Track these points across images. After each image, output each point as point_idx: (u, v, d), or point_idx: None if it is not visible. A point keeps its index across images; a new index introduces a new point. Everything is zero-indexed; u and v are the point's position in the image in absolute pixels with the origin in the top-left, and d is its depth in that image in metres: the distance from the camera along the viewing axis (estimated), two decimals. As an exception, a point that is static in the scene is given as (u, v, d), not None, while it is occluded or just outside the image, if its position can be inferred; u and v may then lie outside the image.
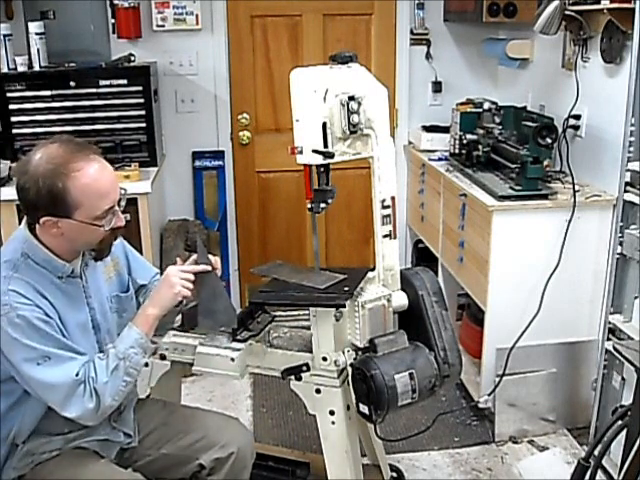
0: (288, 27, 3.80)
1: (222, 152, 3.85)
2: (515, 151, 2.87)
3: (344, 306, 1.92)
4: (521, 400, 2.89)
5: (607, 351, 2.66)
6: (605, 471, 2.52)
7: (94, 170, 1.63)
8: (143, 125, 3.34)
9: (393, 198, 2.01)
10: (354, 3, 3.81)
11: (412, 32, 3.84)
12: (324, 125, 1.88)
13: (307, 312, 2.00)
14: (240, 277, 4.04)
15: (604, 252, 2.77)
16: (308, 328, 2.04)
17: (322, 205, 1.99)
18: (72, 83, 3.22)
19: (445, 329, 2.01)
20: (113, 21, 3.53)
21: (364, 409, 1.91)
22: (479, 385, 2.98)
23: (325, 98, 1.87)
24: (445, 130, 3.61)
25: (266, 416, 3.14)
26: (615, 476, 2.43)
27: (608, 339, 2.65)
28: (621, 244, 2.58)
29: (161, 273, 2.18)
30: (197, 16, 3.62)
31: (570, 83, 2.98)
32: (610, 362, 2.68)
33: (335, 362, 1.96)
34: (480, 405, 2.96)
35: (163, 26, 3.61)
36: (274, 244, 4.06)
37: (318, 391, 2.02)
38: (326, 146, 1.89)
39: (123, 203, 1.74)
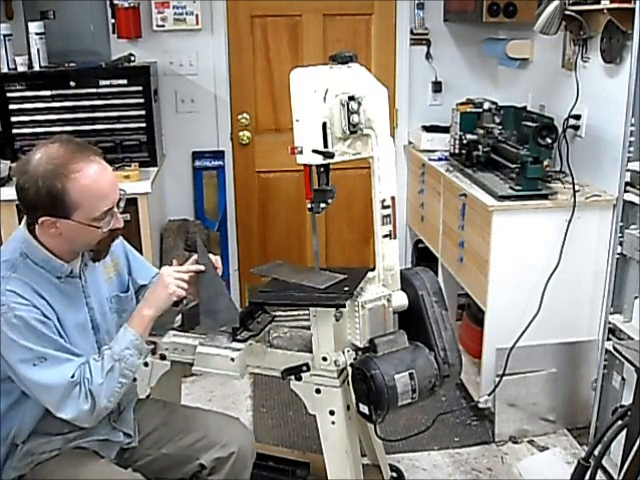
0: (288, 27, 3.80)
1: (222, 152, 3.85)
2: (515, 151, 2.87)
3: (344, 306, 1.92)
4: (521, 400, 2.89)
5: (607, 351, 2.66)
6: (605, 471, 2.52)
7: (94, 171, 1.63)
8: (143, 125, 3.34)
9: (393, 198, 2.01)
10: (354, 3, 3.81)
11: (412, 32, 3.84)
12: (324, 125, 1.88)
13: (307, 312, 2.00)
14: (240, 277, 4.04)
15: (604, 252, 2.77)
16: (308, 328, 2.04)
17: (322, 205, 1.99)
18: (72, 83, 3.22)
19: (445, 329, 2.01)
20: (113, 21, 3.53)
21: (364, 409, 1.91)
22: (479, 385, 2.98)
23: (325, 98, 1.87)
24: (445, 130, 3.61)
25: (266, 416, 3.14)
26: (615, 476, 2.43)
27: (608, 339, 2.65)
28: (621, 244, 2.58)
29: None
30: (197, 16, 3.62)
31: (570, 83, 2.98)
32: (610, 362, 2.68)
33: (335, 362, 1.96)
34: (480, 405, 2.96)
35: (163, 26, 3.61)
36: (274, 244, 4.06)
37: (318, 391, 2.02)
38: (326, 146, 1.89)
39: (122, 204, 1.74)
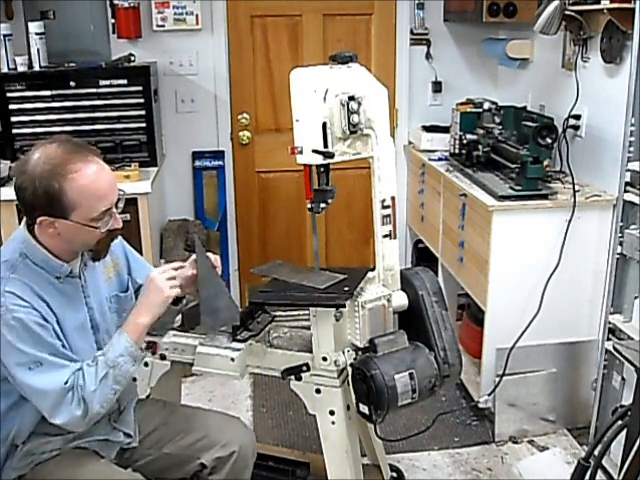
0: (288, 27, 3.80)
1: (222, 152, 3.85)
2: (515, 151, 2.87)
3: (344, 306, 1.92)
4: (521, 400, 2.89)
5: (607, 351, 2.66)
6: (605, 471, 2.52)
7: (92, 172, 1.63)
8: (143, 125, 3.34)
9: (393, 198, 2.01)
10: (354, 3, 3.81)
11: (412, 32, 3.84)
12: (324, 125, 1.88)
13: (307, 312, 2.00)
14: (240, 277, 4.04)
15: (604, 252, 2.77)
16: (308, 328, 2.04)
17: (322, 205, 1.99)
18: (72, 83, 3.22)
19: (445, 329, 2.01)
20: (113, 21, 3.53)
21: (364, 409, 1.91)
22: (479, 385, 2.98)
23: (325, 98, 1.87)
24: (445, 130, 3.61)
25: (266, 416, 3.14)
26: (615, 476, 2.43)
27: (608, 339, 2.65)
28: (621, 244, 2.58)
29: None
30: (197, 16, 3.62)
31: (570, 83, 2.98)
32: (610, 362, 2.68)
33: (335, 362, 1.97)
34: (480, 405, 2.96)
35: (163, 26, 3.61)
36: (274, 244, 4.06)
37: (318, 391, 2.02)
38: (326, 146, 1.89)
39: (121, 205, 1.74)
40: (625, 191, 2.54)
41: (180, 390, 2.43)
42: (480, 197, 2.84)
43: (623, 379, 2.62)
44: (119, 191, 1.72)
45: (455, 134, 3.35)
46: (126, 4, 3.45)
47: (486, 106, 3.28)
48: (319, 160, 1.91)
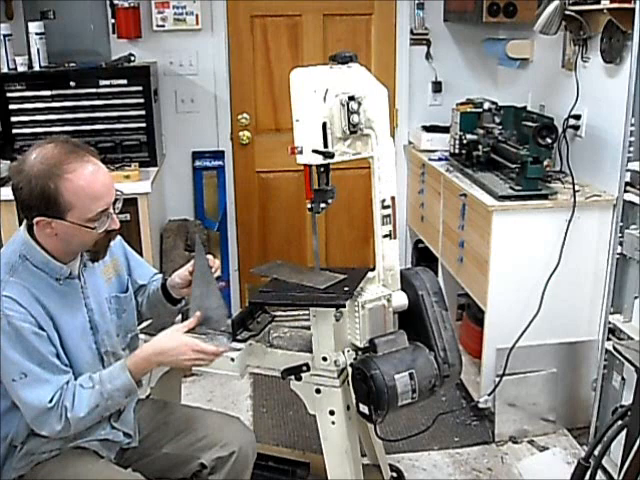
0: (288, 27, 3.80)
1: (222, 152, 3.85)
2: (515, 151, 2.87)
3: (344, 306, 1.92)
4: (521, 400, 2.89)
5: (607, 351, 2.65)
6: (605, 471, 2.52)
7: (88, 172, 1.62)
8: (143, 125, 3.34)
9: (393, 198, 2.01)
10: (354, 3, 3.81)
11: (412, 32, 3.84)
12: (324, 125, 1.88)
13: (307, 312, 2.00)
14: (240, 277, 4.04)
15: (604, 252, 2.77)
16: (308, 328, 2.04)
17: (322, 205, 1.99)
18: (72, 83, 3.22)
19: (445, 329, 2.01)
20: (113, 21, 3.53)
21: (364, 409, 1.91)
22: (479, 385, 2.98)
23: (325, 98, 1.87)
24: (445, 130, 3.61)
25: (266, 416, 3.14)
26: (615, 476, 2.43)
27: (608, 339, 2.65)
28: (621, 244, 2.58)
29: (161, 271, 2.17)
30: (197, 16, 3.62)
31: (570, 83, 2.98)
32: (610, 362, 2.68)
33: (335, 362, 1.97)
34: (480, 405, 2.96)
35: (163, 26, 3.61)
36: (274, 244, 4.06)
37: (318, 391, 2.02)
38: (326, 146, 1.89)
39: (119, 205, 1.73)
40: (625, 191, 2.53)
41: (180, 390, 2.43)
42: (480, 197, 2.84)
43: (623, 379, 2.62)
44: (117, 192, 1.72)
45: (455, 134, 3.35)
46: (126, 4, 3.45)
47: (486, 106, 3.28)
48: (319, 160, 1.91)
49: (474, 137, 3.23)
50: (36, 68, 3.25)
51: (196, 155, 3.83)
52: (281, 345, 2.09)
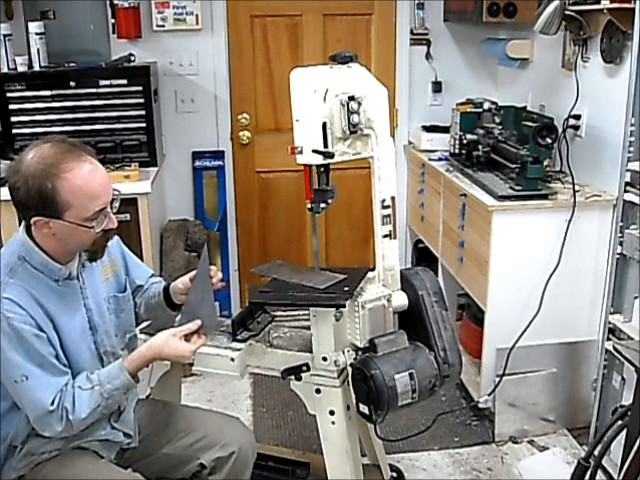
0: (288, 27, 3.80)
1: (222, 152, 3.85)
2: (515, 151, 2.87)
3: (344, 306, 1.92)
4: (521, 400, 2.89)
5: (607, 351, 2.65)
6: (605, 471, 2.52)
7: (85, 171, 1.62)
8: (143, 125, 3.34)
9: (393, 198, 2.01)
10: (354, 3, 3.81)
11: (412, 32, 3.84)
12: (324, 125, 1.88)
13: (307, 312, 2.00)
14: (240, 277, 4.04)
15: (604, 252, 2.78)
16: (308, 328, 2.04)
17: (322, 205, 1.99)
18: (72, 83, 3.22)
19: (445, 329, 2.01)
20: (113, 21, 3.53)
21: (364, 409, 1.91)
22: (479, 385, 2.98)
23: (325, 98, 1.87)
24: (445, 130, 3.61)
25: (266, 416, 3.14)
26: (615, 476, 2.43)
27: (608, 339, 2.65)
28: (621, 244, 2.58)
29: (161, 274, 2.18)
30: (197, 16, 3.62)
31: (570, 83, 2.98)
32: (610, 362, 2.68)
33: (335, 362, 1.96)
34: (480, 405, 2.96)
35: (163, 26, 3.61)
36: (274, 244, 4.06)
37: (318, 391, 2.02)
38: (326, 146, 1.89)
39: (117, 204, 1.72)
40: (625, 191, 2.53)
41: (180, 390, 2.43)
42: (480, 197, 2.84)
43: (623, 379, 2.62)
44: (114, 191, 1.71)
45: (455, 134, 3.35)
46: (126, 4, 3.45)
47: (486, 106, 3.28)
48: (319, 160, 1.90)
49: (474, 137, 3.23)
50: (36, 68, 3.25)
51: (196, 155, 3.83)
52: (281, 345, 2.09)
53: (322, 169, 1.96)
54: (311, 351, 2.01)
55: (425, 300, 2.02)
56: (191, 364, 2.06)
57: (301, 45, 3.82)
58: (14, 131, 3.23)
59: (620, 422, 1.88)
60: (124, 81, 3.27)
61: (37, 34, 3.22)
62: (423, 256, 3.84)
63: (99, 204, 1.65)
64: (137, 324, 2.12)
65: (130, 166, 3.19)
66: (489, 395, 2.89)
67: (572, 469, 1.99)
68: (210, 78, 3.75)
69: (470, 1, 3.44)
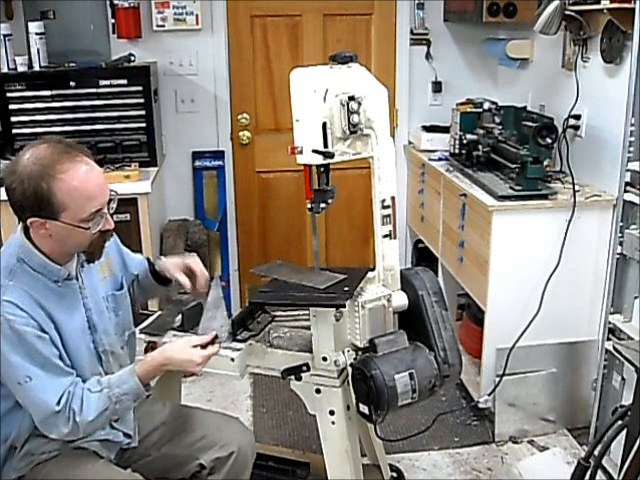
0: (288, 27, 3.80)
1: (222, 152, 3.85)
2: (515, 151, 2.87)
3: (344, 306, 1.92)
4: (521, 400, 2.89)
5: (607, 351, 2.65)
6: (605, 471, 2.52)
7: (81, 172, 1.61)
8: (143, 125, 3.34)
9: (393, 198, 2.01)
10: (354, 3, 3.81)
11: (412, 32, 3.84)
12: (324, 125, 1.88)
13: (307, 312, 2.00)
14: (240, 277, 4.04)
15: (604, 252, 2.77)
16: (308, 328, 2.04)
17: (322, 205, 1.99)
18: (72, 83, 3.23)
19: (445, 329, 2.01)
20: (113, 21, 3.53)
21: (364, 409, 1.91)
22: (479, 385, 2.98)
23: (325, 98, 1.87)
24: (445, 130, 3.61)
25: (266, 416, 3.14)
26: (615, 476, 2.43)
27: (608, 339, 2.65)
28: (621, 244, 2.58)
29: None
30: (197, 16, 3.62)
31: (570, 83, 2.98)
32: (610, 362, 2.68)
33: (335, 362, 1.97)
34: (480, 405, 2.96)
35: (163, 26, 3.61)
36: (274, 244, 4.06)
37: (318, 391, 2.02)
38: (326, 146, 1.89)
39: (114, 205, 1.72)
40: (625, 191, 2.53)
41: (180, 390, 2.43)
42: (480, 197, 2.84)
43: (623, 379, 2.62)
44: (111, 192, 1.70)
45: (455, 134, 3.35)
46: (126, 4, 3.45)
47: (486, 106, 3.28)
48: (319, 160, 1.90)
49: (474, 137, 3.23)
50: (36, 68, 3.25)
51: (196, 155, 3.83)
52: (281, 345, 2.09)
53: (322, 169, 1.96)
54: (311, 351, 2.01)
55: (425, 300, 2.02)
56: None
57: (301, 45, 3.82)
58: (14, 131, 3.23)
59: (620, 422, 1.88)
60: (124, 81, 3.27)
61: (37, 34, 3.22)
62: (423, 256, 3.84)
63: (95, 205, 1.64)
64: (139, 323, 2.13)
65: (130, 166, 3.19)
66: (489, 395, 2.89)
67: (572, 469, 1.99)
68: (210, 78, 3.75)
69: (470, 1, 3.44)
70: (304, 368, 2.01)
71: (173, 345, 1.83)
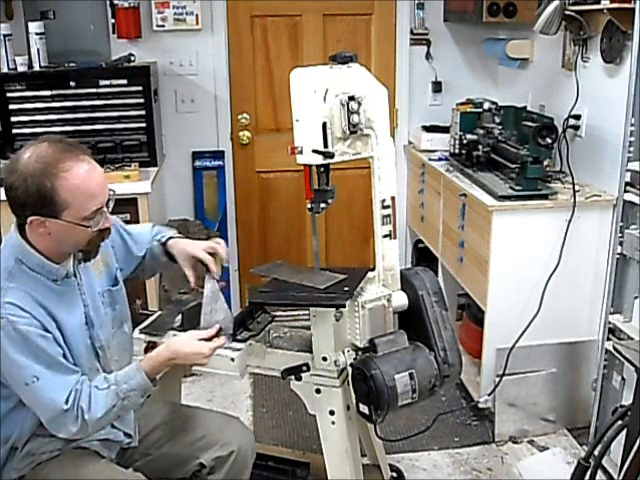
0: (288, 27, 3.80)
1: (222, 152, 3.85)
2: (515, 151, 2.87)
3: (344, 306, 1.92)
4: (521, 400, 2.89)
5: (607, 351, 2.65)
6: (605, 471, 2.52)
7: (83, 171, 1.62)
8: (143, 125, 3.34)
9: (393, 198, 2.01)
10: (354, 3, 3.81)
11: (412, 32, 3.84)
12: (324, 125, 1.88)
13: (307, 312, 2.00)
14: (240, 277, 4.04)
15: (604, 252, 2.77)
16: (308, 328, 2.04)
17: (322, 205, 1.99)
18: (72, 83, 3.23)
19: (445, 329, 2.01)
20: (113, 21, 3.53)
21: (364, 409, 1.91)
22: (479, 385, 2.98)
23: (325, 98, 1.87)
24: (445, 130, 3.61)
25: (266, 416, 3.14)
26: (615, 476, 2.43)
27: (608, 339, 2.65)
28: (621, 244, 2.58)
29: (160, 275, 2.17)
30: (197, 16, 3.62)
31: (570, 83, 2.98)
32: (610, 362, 2.68)
33: (335, 362, 1.97)
34: (480, 405, 2.96)
35: (163, 26, 3.61)
36: (274, 244, 4.06)
37: (318, 391, 2.02)
38: (326, 146, 1.89)
39: (112, 204, 1.72)
40: (625, 191, 2.53)
41: (180, 390, 2.43)
42: (480, 197, 2.84)
43: (623, 379, 2.62)
44: (109, 191, 1.71)
45: (455, 134, 3.35)
46: (126, 4, 3.45)
47: (486, 106, 3.28)
48: (319, 160, 1.90)
49: (474, 137, 3.23)
50: (36, 68, 3.25)
51: (196, 155, 3.83)
52: (281, 345, 2.09)
53: (322, 169, 1.96)
54: (311, 351, 2.01)
55: (425, 300, 2.02)
56: (191, 364, 2.07)
57: (301, 45, 3.82)
58: (14, 131, 3.23)
59: (620, 422, 1.88)
60: (124, 81, 3.27)
61: (37, 34, 3.22)
62: (423, 256, 3.84)
63: (97, 203, 1.65)
64: (140, 322, 2.13)
65: (130, 166, 3.19)
66: (489, 395, 2.89)
67: (572, 469, 1.99)
68: (210, 78, 3.75)
69: (470, 1, 3.44)
70: (304, 368, 2.01)
71: (179, 339, 1.84)
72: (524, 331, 2.77)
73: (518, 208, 2.75)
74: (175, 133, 3.77)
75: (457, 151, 3.32)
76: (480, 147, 3.17)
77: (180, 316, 2.12)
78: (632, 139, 2.46)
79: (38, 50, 3.23)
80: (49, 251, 1.69)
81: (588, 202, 2.75)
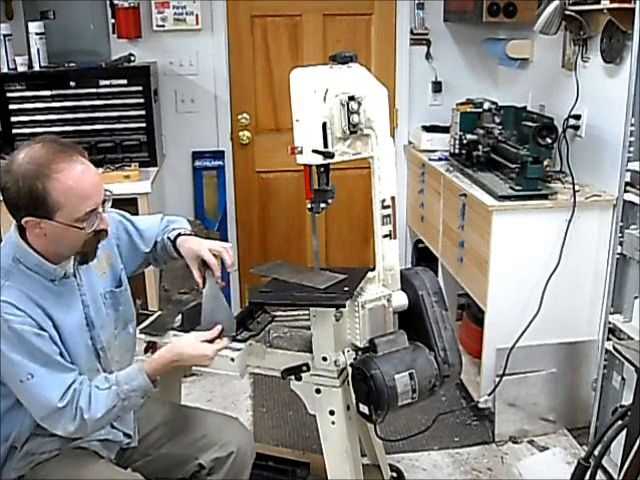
0: (288, 27, 3.80)
1: (222, 152, 3.85)
2: (515, 151, 2.87)
3: (344, 306, 1.92)
4: (521, 400, 2.89)
5: (607, 351, 2.65)
6: (605, 471, 2.52)
7: (76, 172, 1.60)
8: (143, 125, 3.34)
9: (393, 198, 2.01)
10: (354, 3, 3.81)
11: (412, 32, 3.84)
12: (324, 125, 1.88)
13: (307, 312, 2.00)
14: (240, 277, 4.04)
15: (604, 252, 2.77)
16: (308, 328, 2.04)
17: (322, 205, 1.99)
18: (72, 83, 3.23)
19: (445, 329, 2.01)
20: (113, 21, 3.53)
21: (364, 409, 1.91)
22: (479, 385, 2.98)
23: (325, 98, 1.87)
24: (445, 130, 3.61)
25: (266, 416, 3.14)
26: (615, 476, 2.43)
27: (608, 339, 2.65)
28: (621, 244, 2.58)
29: (160, 275, 2.16)
30: (197, 16, 3.62)
31: (570, 83, 2.98)
32: (610, 362, 2.68)
33: (335, 362, 1.97)
34: (480, 405, 2.96)
35: (163, 26, 3.61)
36: (274, 244, 4.06)
37: (318, 391, 2.02)
38: (326, 146, 1.89)
39: (108, 205, 1.71)
40: (625, 191, 2.53)
41: (180, 390, 2.43)
42: (480, 197, 2.84)
43: (623, 379, 2.62)
44: (106, 192, 1.69)
45: (455, 134, 3.35)
46: (126, 4, 3.45)
47: (486, 106, 3.28)
48: (319, 160, 1.90)
49: (474, 137, 3.23)
50: (36, 68, 3.25)
51: (196, 155, 3.83)
52: (281, 345, 2.09)
53: (322, 169, 1.96)
54: (311, 351, 2.01)
55: (425, 300, 2.02)
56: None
57: (301, 45, 3.82)
58: (14, 131, 3.23)
59: (620, 422, 1.88)
60: (124, 81, 3.27)
61: (37, 34, 3.22)
62: (423, 256, 3.84)
63: (90, 204, 1.63)
64: (141, 322, 2.12)
65: (130, 166, 3.19)
66: (489, 395, 2.89)
67: (572, 469, 1.99)
68: (210, 78, 3.75)
69: (470, 1, 3.44)
70: (304, 368, 2.01)
71: (182, 341, 1.83)
72: (524, 331, 2.77)
73: (518, 208, 2.75)
74: (175, 133, 3.77)
75: (457, 151, 3.32)
76: (480, 147, 3.17)
77: (180, 316, 2.13)
78: (632, 139, 2.46)
79: (38, 50, 3.23)
80: (46, 251, 1.68)
81: (588, 202, 2.75)
